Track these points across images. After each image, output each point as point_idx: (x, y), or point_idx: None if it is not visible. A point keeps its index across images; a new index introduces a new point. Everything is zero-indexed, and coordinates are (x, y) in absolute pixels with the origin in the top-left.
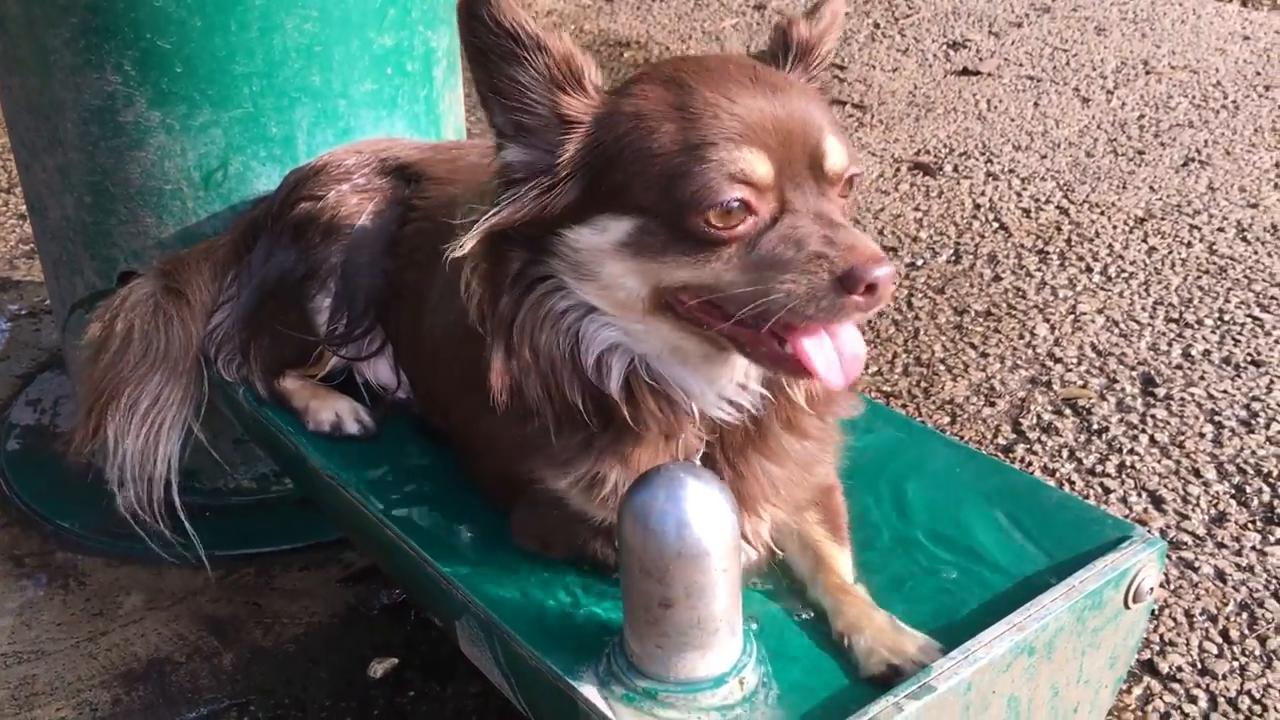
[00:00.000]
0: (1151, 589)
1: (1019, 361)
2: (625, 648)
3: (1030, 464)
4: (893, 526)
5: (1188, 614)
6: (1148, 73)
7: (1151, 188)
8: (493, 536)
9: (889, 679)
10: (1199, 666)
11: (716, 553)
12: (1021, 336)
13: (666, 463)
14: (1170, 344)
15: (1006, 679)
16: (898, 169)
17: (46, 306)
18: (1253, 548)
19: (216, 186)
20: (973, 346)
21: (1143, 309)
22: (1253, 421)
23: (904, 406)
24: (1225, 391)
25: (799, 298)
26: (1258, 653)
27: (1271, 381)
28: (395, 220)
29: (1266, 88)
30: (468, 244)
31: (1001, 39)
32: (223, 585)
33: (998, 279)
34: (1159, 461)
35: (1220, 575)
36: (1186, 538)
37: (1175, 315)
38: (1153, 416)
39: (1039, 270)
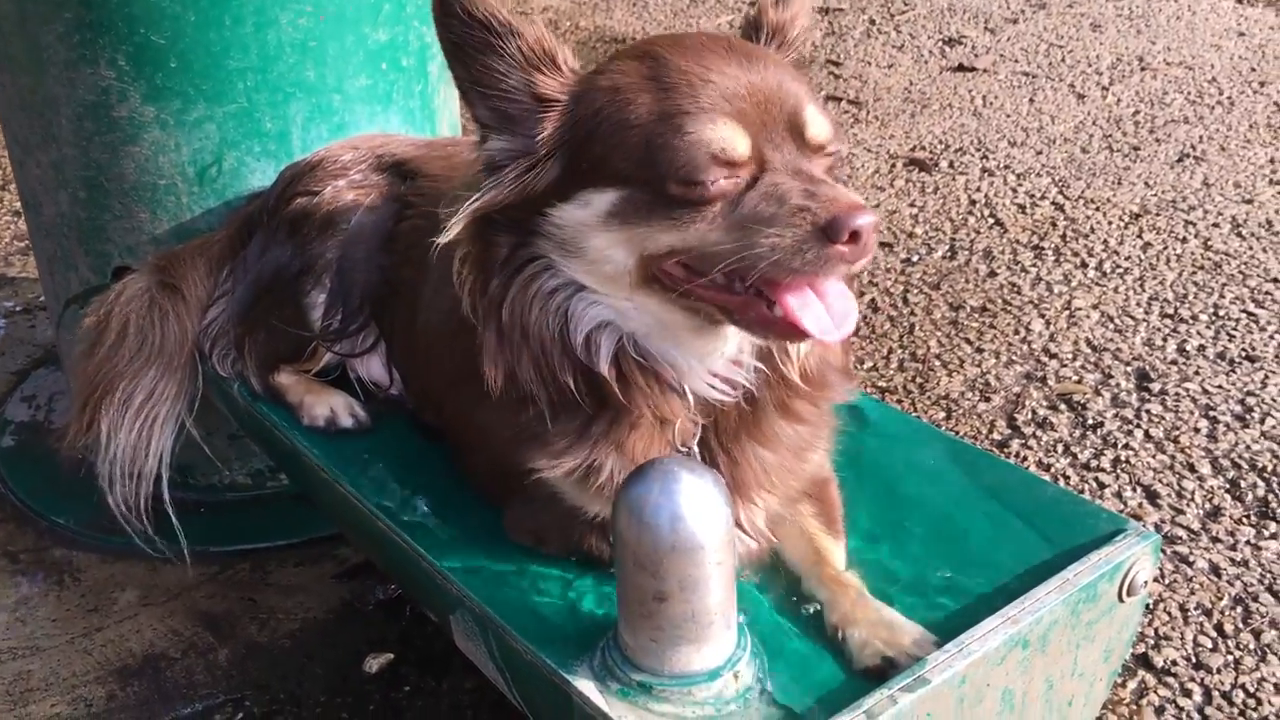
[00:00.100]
0: (1146, 582)
1: (1014, 357)
2: (620, 642)
3: (1025, 459)
4: (888, 520)
5: (1182, 608)
6: (1143, 69)
7: (1147, 184)
8: (487, 531)
9: (883, 672)
10: (1194, 660)
11: (711, 546)
12: (1017, 332)
13: (661, 456)
14: (1165, 339)
15: (1001, 672)
16: (893, 165)
17: (41, 303)
18: (1247, 542)
19: (211, 182)
20: (968, 342)
21: (1138, 304)
22: (1247, 416)
23: (899, 402)
24: (1220, 386)
25: (783, 250)
26: (1252, 647)
27: (1266, 376)
28: (391, 216)
29: (1261, 83)
30: (453, 229)
31: (997, 35)
32: (218, 581)
33: (993, 275)
34: (1154, 456)
35: (1215, 570)
36: (1181, 532)
37: (1170, 311)
38: (1148, 411)
39: (1034, 266)
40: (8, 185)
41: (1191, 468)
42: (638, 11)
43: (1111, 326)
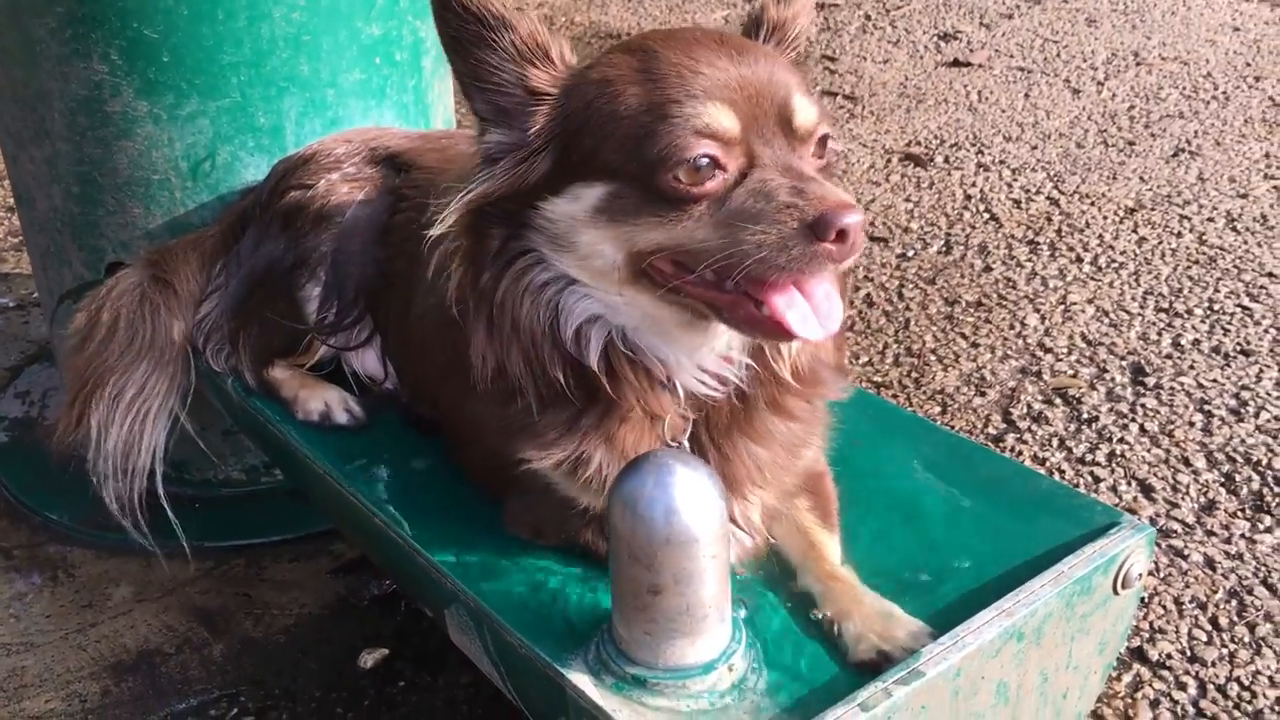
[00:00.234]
0: (1140, 575)
1: (1009, 351)
2: (614, 635)
3: (1021, 453)
4: (883, 514)
5: (1177, 601)
6: (1138, 64)
7: (1142, 178)
8: (481, 525)
9: (878, 665)
10: (1188, 654)
11: (705, 539)
12: (1012, 327)
13: (655, 449)
14: (1160, 333)
15: (996, 664)
16: (889, 160)
17: (35, 298)
18: (1242, 536)
19: (204, 177)
20: (963, 337)
21: (1133, 299)
22: (1242, 410)
23: (895, 396)
24: (1215, 380)
25: (770, 247)
26: (1247, 640)
27: (1261, 370)
28: (386, 209)
29: (1257, 78)
30: (446, 220)
31: (992, 30)
32: (213, 577)
33: (988, 269)
34: (1149, 450)
35: (1209, 563)
36: (1176, 526)
37: (1165, 305)
38: (1143, 406)
39: (1029, 261)
40: (1, 180)
41: (1186, 461)
42: (633, 7)
43: (1106, 321)
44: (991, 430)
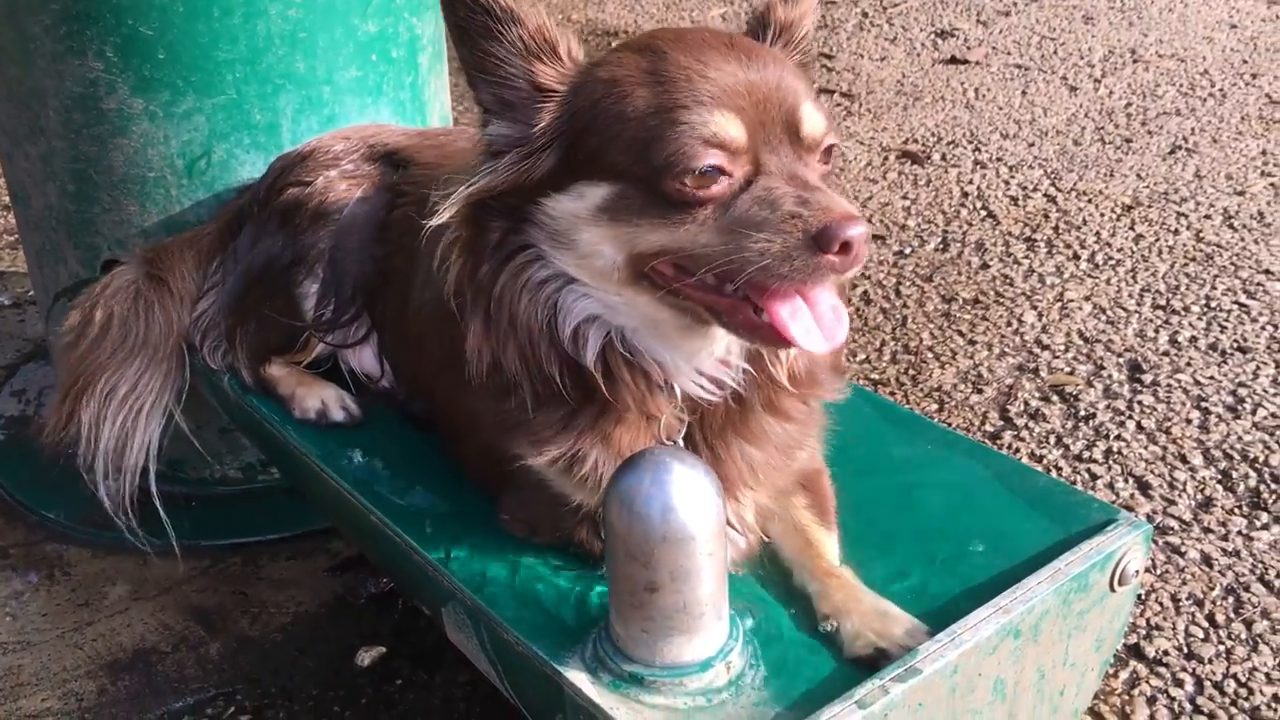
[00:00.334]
0: (1137, 572)
1: (1007, 349)
2: (611, 633)
3: (1018, 450)
4: (879, 511)
5: (1174, 598)
6: (1135, 61)
7: (1139, 175)
8: (478, 523)
9: (876, 662)
10: (1185, 650)
11: (702, 537)
12: (1009, 324)
13: (652, 447)
14: (1157, 330)
15: (993, 661)
16: (886, 157)
17: (30, 297)
18: (1239, 532)
19: (200, 174)
20: (960, 334)
21: (1130, 296)
22: (1239, 407)
23: (892, 394)
24: (1212, 378)
25: (772, 256)
26: (1243, 636)
27: (1258, 367)
28: (383, 206)
29: (1254, 75)
30: (446, 212)
31: (989, 27)
32: (209, 575)
33: (985, 267)
34: (1146, 447)
35: (1206, 560)
36: (1173, 523)
37: (1162, 302)
38: (1139, 403)
39: (1026, 258)
40: None
41: (1183, 458)
42: (630, 4)
43: (1103, 318)
44: (989, 427)
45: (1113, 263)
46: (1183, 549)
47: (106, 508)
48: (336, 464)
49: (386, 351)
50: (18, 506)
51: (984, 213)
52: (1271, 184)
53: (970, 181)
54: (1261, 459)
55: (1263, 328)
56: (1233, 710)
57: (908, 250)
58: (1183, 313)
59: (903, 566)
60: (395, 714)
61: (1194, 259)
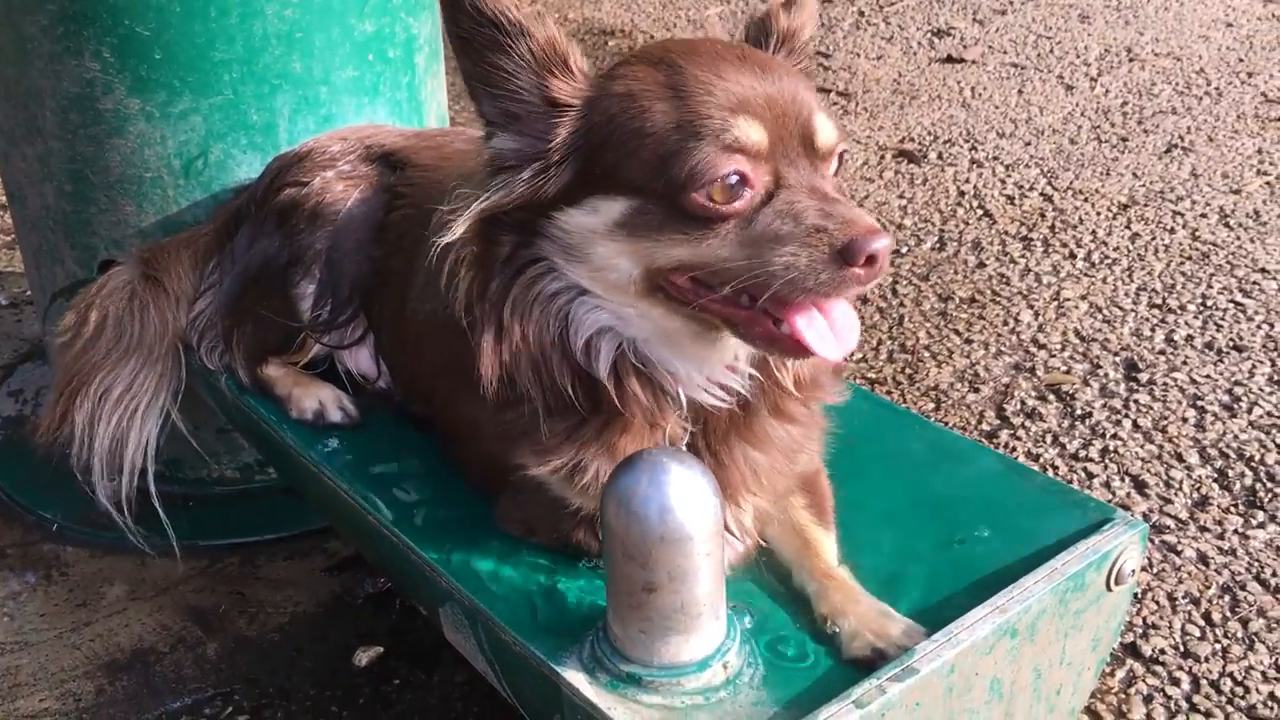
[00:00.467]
0: (1133, 571)
1: (1003, 348)
2: (609, 633)
3: (1014, 449)
4: (877, 511)
5: (1170, 597)
6: (1131, 60)
7: (1135, 174)
8: (476, 523)
9: (873, 662)
10: (1182, 649)
11: (699, 537)
12: (1005, 323)
13: (649, 448)
14: (1153, 329)
15: (989, 661)
16: (882, 156)
17: (28, 297)
18: (1235, 531)
19: (197, 175)
20: (957, 333)
21: (1126, 295)
22: (1235, 406)
23: (889, 393)
24: (1208, 376)
25: (799, 270)
26: (1240, 635)
27: (1254, 366)
28: (381, 207)
29: (1249, 74)
30: (458, 229)
31: (986, 26)
32: (206, 575)
33: (982, 265)
34: (1142, 446)
35: (1203, 559)
36: (1169, 522)
37: (1158, 301)
38: (1136, 401)
39: (1023, 257)
40: None
41: (1179, 457)
42: (626, 3)
43: (1100, 317)
44: (985, 426)
45: (1109, 262)
46: (1179, 548)
47: (103, 507)
48: (334, 464)
49: (383, 352)
50: (15, 506)
51: (980, 212)
52: (1267, 183)
53: (967, 180)
54: (1257, 457)
55: (1259, 326)
56: (1229, 709)
57: (904, 249)
58: (1179, 311)
59: (898, 567)
60: (393, 714)
61: (1190, 258)
